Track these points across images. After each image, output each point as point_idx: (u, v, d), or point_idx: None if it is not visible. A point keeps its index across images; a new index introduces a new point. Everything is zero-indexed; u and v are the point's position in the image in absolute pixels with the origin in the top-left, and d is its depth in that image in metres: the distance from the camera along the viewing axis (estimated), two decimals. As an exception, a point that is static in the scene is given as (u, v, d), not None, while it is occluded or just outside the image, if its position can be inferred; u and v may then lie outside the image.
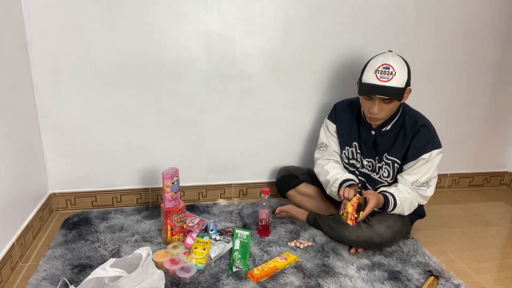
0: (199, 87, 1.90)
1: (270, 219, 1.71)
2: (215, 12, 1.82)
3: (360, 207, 1.45)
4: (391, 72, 1.42)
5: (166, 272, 1.40)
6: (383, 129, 1.58)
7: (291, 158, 2.12)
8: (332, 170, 1.67)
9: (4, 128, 1.46)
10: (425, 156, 1.51)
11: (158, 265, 1.42)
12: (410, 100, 2.12)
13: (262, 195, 1.68)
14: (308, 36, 1.93)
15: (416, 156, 1.52)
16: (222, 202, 2.08)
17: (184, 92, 1.90)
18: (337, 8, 1.91)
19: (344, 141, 1.69)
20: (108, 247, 1.58)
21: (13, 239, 1.49)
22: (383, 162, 1.60)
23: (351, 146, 1.67)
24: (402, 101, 1.52)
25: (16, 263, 1.49)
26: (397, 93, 1.43)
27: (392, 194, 1.52)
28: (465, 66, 2.16)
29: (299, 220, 1.82)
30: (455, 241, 1.78)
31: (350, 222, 1.44)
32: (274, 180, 2.05)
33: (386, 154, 1.59)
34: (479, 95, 2.25)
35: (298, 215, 1.82)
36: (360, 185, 1.59)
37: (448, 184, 2.40)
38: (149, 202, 2.03)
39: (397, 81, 1.43)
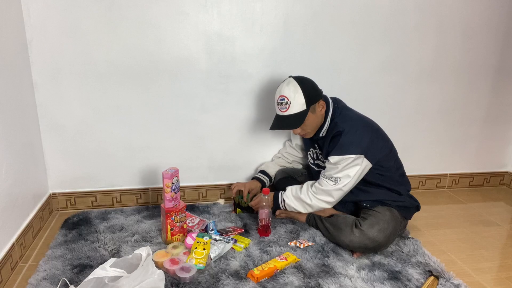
0: (199, 87, 1.90)
1: (270, 219, 1.71)
2: (215, 12, 1.82)
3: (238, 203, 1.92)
4: (286, 102, 1.59)
5: (166, 272, 1.40)
6: (320, 135, 1.70)
7: (291, 158, 2.12)
8: (267, 163, 2.02)
9: (4, 128, 1.47)
10: (329, 158, 1.61)
11: (158, 265, 1.42)
12: (411, 98, 2.14)
13: (262, 195, 1.68)
14: (308, 36, 1.93)
15: (327, 156, 1.64)
16: (222, 202, 2.08)
17: (184, 92, 1.90)
18: (337, 8, 1.91)
19: (307, 146, 1.87)
20: (108, 247, 1.58)
21: (13, 239, 1.49)
22: (320, 162, 1.79)
23: (314, 148, 1.80)
24: (320, 113, 1.64)
25: (16, 263, 1.49)
26: (295, 121, 1.61)
27: (284, 191, 1.74)
28: (465, 66, 2.16)
29: (299, 221, 1.82)
30: (455, 241, 1.78)
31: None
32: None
33: (320, 155, 1.76)
34: (479, 95, 2.25)
35: (298, 216, 1.82)
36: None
37: (448, 184, 2.40)
38: (149, 202, 2.03)
39: (295, 108, 1.59)
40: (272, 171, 1.99)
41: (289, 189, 1.74)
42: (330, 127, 1.66)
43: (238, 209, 1.95)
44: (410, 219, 1.75)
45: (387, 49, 2.03)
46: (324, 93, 1.70)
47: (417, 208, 1.74)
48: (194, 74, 1.88)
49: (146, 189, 2.01)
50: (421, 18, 2.02)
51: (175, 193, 1.60)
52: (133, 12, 1.74)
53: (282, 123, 1.64)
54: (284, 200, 1.73)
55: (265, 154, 2.09)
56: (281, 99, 1.61)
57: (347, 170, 1.58)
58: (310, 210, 1.70)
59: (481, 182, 2.44)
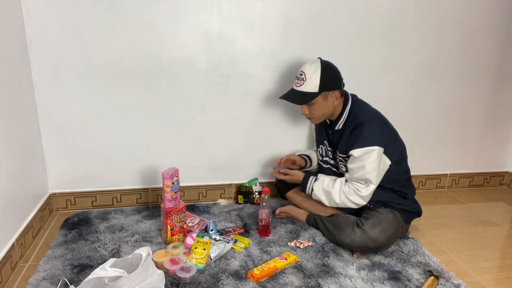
0: (199, 87, 1.91)
1: (270, 219, 1.71)
2: (215, 12, 1.82)
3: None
4: (303, 78, 1.60)
5: (166, 272, 1.41)
6: (336, 128, 1.68)
7: (291, 158, 2.12)
8: (310, 151, 1.98)
9: (4, 128, 1.46)
10: (352, 152, 1.56)
11: (158, 265, 1.42)
12: (411, 98, 2.14)
13: (262, 195, 1.68)
14: (308, 36, 1.93)
15: (348, 151, 1.59)
16: (222, 202, 2.08)
17: (184, 92, 1.90)
18: (337, 8, 1.91)
19: (318, 141, 1.84)
20: (108, 247, 1.58)
21: (13, 239, 1.49)
22: (337, 159, 1.73)
23: (323, 145, 1.80)
24: (332, 103, 1.62)
25: (16, 263, 1.49)
26: (302, 98, 1.60)
27: (315, 180, 1.70)
28: (465, 66, 2.16)
29: (299, 221, 1.82)
30: (455, 241, 1.78)
31: None
32: (274, 180, 2.06)
33: (337, 151, 1.70)
34: (479, 95, 2.25)
35: (298, 216, 1.82)
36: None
37: (448, 184, 2.40)
38: (149, 202, 2.03)
39: (308, 87, 1.59)
40: (314, 158, 1.96)
41: (321, 180, 1.69)
42: (348, 120, 1.64)
43: (240, 196, 2.02)
44: (409, 224, 1.74)
45: (387, 49, 2.03)
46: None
47: (418, 214, 1.74)
48: (194, 74, 1.88)
49: (146, 189, 2.01)
50: (421, 18, 2.02)
51: (175, 193, 1.60)
52: (133, 12, 1.74)
53: (291, 96, 1.65)
54: (312, 189, 1.70)
55: (265, 154, 2.09)
56: (299, 74, 1.62)
57: (371, 166, 1.54)
58: (334, 205, 1.67)
59: (481, 182, 2.44)
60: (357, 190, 1.58)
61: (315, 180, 1.71)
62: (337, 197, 1.63)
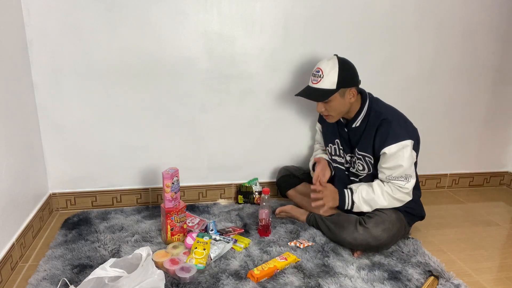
0: (199, 87, 1.91)
1: (270, 219, 1.71)
2: (215, 12, 1.82)
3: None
4: (320, 75, 1.57)
5: (166, 272, 1.41)
6: (353, 126, 1.65)
7: (291, 158, 2.12)
8: (320, 154, 1.88)
9: (4, 128, 1.47)
10: (385, 150, 1.53)
11: (158, 265, 1.42)
12: (410, 99, 2.14)
13: (262, 195, 1.68)
14: (308, 36, 1.93)
15: (379, 150, 1.56)
16: (222, 202, 2.08)
17: (184, 92, 1.90)
18: (337, 8, 1.91)
19: (327, 139, 1.81)
20: (108, 247, 1.58)
21: (13, 239, 1.49)
22: (355, 157, 1.67)
23: (333, 144, 1.77)
24: (349, 100, 1.59)
25: (16, 263, 1.49)
26: (320, 95, 1.57)
27: (352, 192, 1.62)
28: (465, 66, 2.16)
29: (299, 221, 1.82)
30: (455, 241, 1.78)
31: None
32: (274, 180, 2.06)
33: (357, 149, 1.65)
34: (479, 95, 2.25)
35: (298, 215, 1.82)
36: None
37: (448, 184, 2.40)
38: (149, 202, 2.03)
39: (325, 83, 1.56)
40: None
41: (359, 190, 1.61)
42: (369, 117, 1.61)
43: (240, 196, 2.03)
44: (411, 226, 1.74)
45: (387, 49, 2.03)
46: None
47: (421, 218, 1.74)
48: (194, 74, 1.88)
49: (146, 189, 2.01)
50: (421, 18, 2.02)
51: (175, 193, 1.60)
52: (133, 12, 1.74)
53: (308, 93, 1.62)
54: (353, 202, 1.62)
55: (265, 154, 2.09)
56: (316, 71, 1.59)
57: (406, 164, 1.52)
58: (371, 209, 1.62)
59: (481, 182, 2.44)
60: (400, 187, 1.56)
61: (352, 192, 1.63)
62: (383, 200, 1.58)
